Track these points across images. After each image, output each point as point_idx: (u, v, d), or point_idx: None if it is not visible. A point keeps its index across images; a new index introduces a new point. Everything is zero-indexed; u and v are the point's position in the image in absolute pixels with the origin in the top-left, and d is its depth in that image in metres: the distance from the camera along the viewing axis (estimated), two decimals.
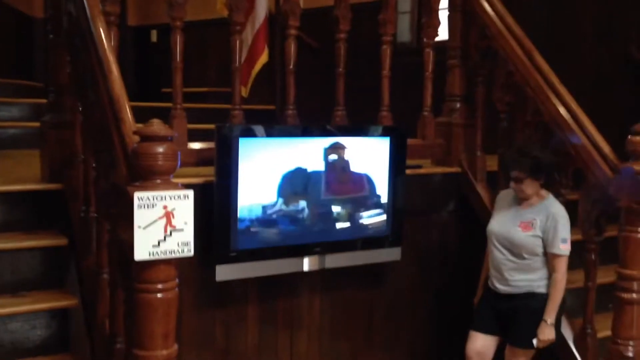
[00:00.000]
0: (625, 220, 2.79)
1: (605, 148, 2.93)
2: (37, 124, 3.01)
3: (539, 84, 3.13)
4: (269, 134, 2.87)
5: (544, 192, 2.92)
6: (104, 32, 2.22)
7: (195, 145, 2.89)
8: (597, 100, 4.15)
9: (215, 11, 4.43)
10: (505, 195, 3.08)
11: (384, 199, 3.17)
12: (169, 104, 2.91)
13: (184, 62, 2.82)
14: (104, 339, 2.34)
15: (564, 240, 2.82)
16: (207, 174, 2.80)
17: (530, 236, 2.87)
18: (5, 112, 4.54)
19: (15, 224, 2.71)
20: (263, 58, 3.83)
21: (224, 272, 2.81)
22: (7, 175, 3.09)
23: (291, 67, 3.10)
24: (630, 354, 2.81)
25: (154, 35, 6.96)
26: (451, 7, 3.57)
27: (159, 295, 1.86)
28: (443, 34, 3.63)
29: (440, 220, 3.54)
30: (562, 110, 3.06)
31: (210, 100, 5.37)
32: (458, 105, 3.57)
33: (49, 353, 2.53)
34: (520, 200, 2.96)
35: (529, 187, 2.87)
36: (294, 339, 3.20)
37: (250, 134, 2.80)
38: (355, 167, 3.08)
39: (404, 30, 5.49)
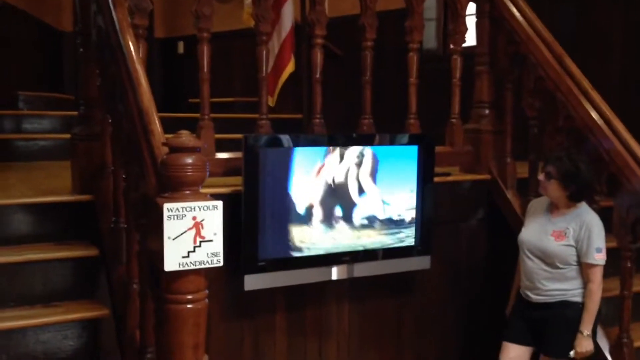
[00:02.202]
0: None
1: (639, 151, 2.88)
2: (67, 136, 3.06)
3: (570, 89, 3.08)
4: (296, 143, 2.86)
5: None
6: (132, 45, 2.24)
7: (223, 155, 2.90)
8: (629, 104, 4.07)
9: (240, 22, 4.46)
10: (537, 203, 3.03)
11: (413, 207, 3.14)
12: (197, 115, 2.93)
13: (211, 72, 2.83)
14: (134, 349, 2.34)
15: (598, 250, 2.76)
16: (235, 183, 2.80)
17: (564, 245, 2.81)
18: (36, 125, 4.63)
19: (47, 235, 2.74)
20: (290, 67, 3.84)
21: (252, 282, 2.81)
22: (38, 187, 3.13)
23: (317, 76, 3.10)
24: None
25: (180, 47, 7.03)
26: (479, 13, 3.53)
27: (189, 305, 1.86)
28: (470, 40, 3.60)
29: (469, 229, 3.50)
30: (594, 115, 3.01)
31: (236, 110, 5.40)
32: (487, 111, 3.53)
33: None
34: (552, 207, 2.91)
35: (553, 190, 2.82)
36: (323, 349, 3.18)
37: (277, 143, 2.80)
38: (383, 176, 3.06)
39: (430, 37, 5.46)
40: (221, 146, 2.95)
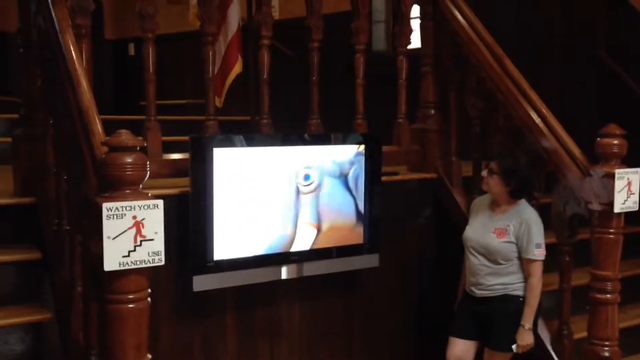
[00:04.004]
0: (596, 222, 2.83)
1: (576, 151, 2.98)
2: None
3: (509, 89, 3.18)
4: (244, 143, 2.87)
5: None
6: (72, 45, 2.22)
7: (171, 156, 2.89)
8: (566, 103, 4.21)
9: (190, 24, 4.43)
10: (480, 201, 3.10)
11: (361, 206, 3.18)
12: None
13: (162, 75, 2.83)
14: (78, 352, 2.32)
15: (538, 246, 2.85)
16: (184, 185, 2.80)
17: (505, 242, 2.89)
18: None
19: None
20: (237, 68, 3.84)
21: (201, 283, 2.81)
22: None
23: (265, 76, 3.12)
24: (607, 354, 2.84)
25: (131, 49, 6.96)
26: (422, 14, 3.61)
27: (131, 305, 1.86)
28: (417, 42, 3.68)
29: (417, 226, 3.56)
30: (532, 114, 3.10)
31: (188, 113, 5.37)
32: (432, 111, 3.61)
33: None
34: (494, 205, 2.99)
35: (495, 185, 2.90)
36: (274, 349, 3.19)
37: (224, 144, 2.81)
38: (331, 175, 3.10)
39: (379, 39, 5.54)
40: (173, 149, 2.95)
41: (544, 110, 3.09)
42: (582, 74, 4.44)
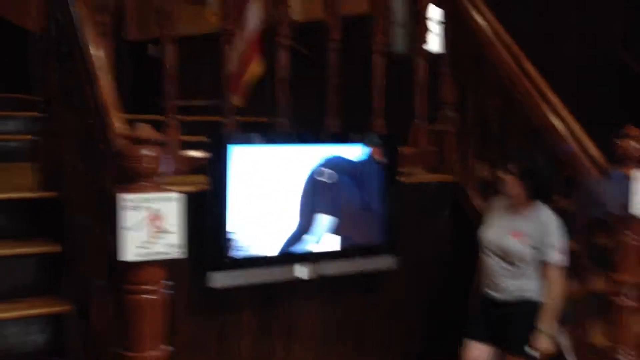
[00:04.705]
0: (614, 225, 2.79)
1: (595, 153, 2.96)
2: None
3: (528, 90, 3.16)
4: (262, 141, 2.89)
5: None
6: (91, 39, 2.25)
7: (189, 153, 2.92)
8: (584, 103, 4.17)
9: (211, 24, 4.47)
10: (497, 202, 3.07)
11: (377, 206, 3.18)
12: None
13: (181, 76, 2.85)
14: (96, 343, 2.35)
15: (555, 248, 2.81)
16: (203, 182, 2.82)
17: (522, 244, 2.85)
18: (2, 126, 4.58)
19: (11, 231, 2.74)
20: (255, 67, 3.87)
21: (218, 279, 2.82)
22: (2, 185, 3.12)
23: (283, 75, 3.13)
24: (624, 359, 2.80)
25: (151, 49, 7.02)
26: (441, 16, 3.61)
27: (146, 296, 1.88)
28: (436, 44, 3.67)
29: (434, 228, 3.55)
30: (551, 116, 3.08)
31: (209, 114, 5.40)
32: (450, 113, 3.59)
33: (43, 358, 2.54)
34: (512, 207, 2.96)
35: (513, 187, 2.87)
36: (289, 347, 3.19)
37: (241, 141, 2.83)
38: (348, 175, 3.10)
39: (399, 42, 5.52)
40: (193, 148, 2.96)
41: (562, 111, 3.07)
42: (600, 74, 4.39)
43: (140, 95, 6.88)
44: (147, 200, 1.83)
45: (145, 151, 1.82)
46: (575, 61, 4.50)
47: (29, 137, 3.03)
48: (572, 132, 3.03)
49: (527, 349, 2.81)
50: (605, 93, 4.35)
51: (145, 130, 1.84)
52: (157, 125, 2.77)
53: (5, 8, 5.83)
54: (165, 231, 1.89)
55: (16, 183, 3.12)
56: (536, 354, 2.82)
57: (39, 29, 2.78)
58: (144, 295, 1.88)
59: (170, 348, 1.96)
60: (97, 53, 2.22)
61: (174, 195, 1.87)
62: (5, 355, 2.49)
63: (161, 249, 1.89)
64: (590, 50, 4.44)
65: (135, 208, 1.81)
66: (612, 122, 2.88)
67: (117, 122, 2.06)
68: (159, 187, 1.88)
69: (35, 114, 3.10)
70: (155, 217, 1.85)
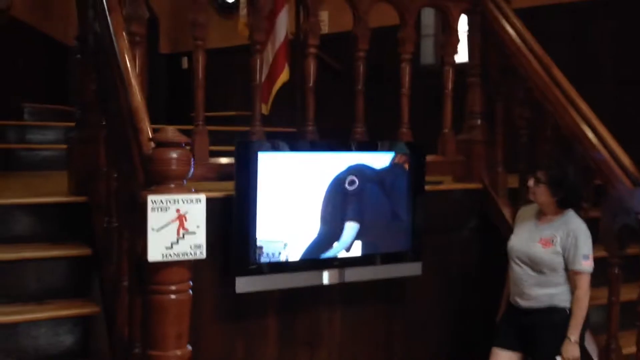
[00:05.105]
0: None
1: (626, 161, 2.92)
2: None
3: (557, 99, 3.14)
4: (288, 148, 2.92)
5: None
6: (125, 48, 2.32)
7: (217, 160, 2.97)
8: (618, 117, 4.10)
9: (241, 38, 4.54)
10: (525, 211, 3.06)
11: (404, 213, 3.18)
12: None
13: (212, 87, 2.91)
14: (123, 344, 2.39)
15: (585, 257, 2.79)
16: (230, 189, 2.86)
17: (551, 252, 2.84)
18: (40, 135, 4.73)
19: (42, 234, 2.80)
20: (284, 76, 3.92)
21: (244, 285, 2.84)
22: (36, 190, 3.21)
23: (310, 84, 3.17)
24: None
25: (185, 63, 7.17)
26: (470, 26, 3.61)
27: (172, 296, 1.91)
28: (465, 55, 3.67)
29: (461, 236, 3.54)
30: (581, 124, 3.05)
31: (237, 124, 5.48)
32: (478, 122, 3.59)
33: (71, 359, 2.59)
34: (541, 216, 2.94)
35: (542, 195, 2.86)
36: (314, 353, 3.20)
37: (268, 148, 2.86)
38: (375, 182, 3.11)
39: (428, 53, 5.54)
40: (221, 157, 3.02)
41: (594, 119, 3.04)
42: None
43: (173, 105, 7.03)
44: (175, 201, 1.86)
45: (174, 154, 1.86)
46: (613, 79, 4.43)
47: (65, 146, 3.11)
48: (602, 139, 2.99)
49: (558, 359, 2.78)
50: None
51: (174, 134, 1.89)
52: (188, 135, 2.84)
53: (48, 25, 6.06)
54: (191, 232, 1.92)
55: (51, 188, 3.21)
56: None
57: (78, 39, 2.86)
58: (170, 296, 1.91)
59: (189, 348, 1.97)
60: (131, 62, 2.28)
61: (201, 196, 1.91)
62: (34, 356, 2.54)
63: (187, 250, 1.92)
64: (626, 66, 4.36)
65: (163, 209, 1.85)
66: None
67: (147, 127, 2.10)
68: (186, 189, 1.92)
69: (72, 124, 3.19)
70: (182, 218, 1.89)
